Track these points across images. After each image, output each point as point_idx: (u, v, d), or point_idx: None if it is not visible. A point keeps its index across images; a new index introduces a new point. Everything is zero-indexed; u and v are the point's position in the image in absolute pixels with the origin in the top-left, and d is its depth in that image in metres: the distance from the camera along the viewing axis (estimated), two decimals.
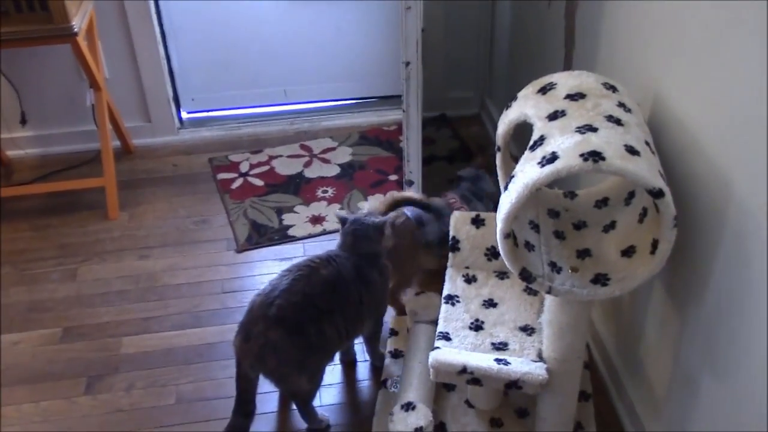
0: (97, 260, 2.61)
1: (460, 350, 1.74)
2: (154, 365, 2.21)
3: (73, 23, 2.48)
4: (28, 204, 2.90)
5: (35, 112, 3.07)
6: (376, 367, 2.16)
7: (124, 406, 2.10)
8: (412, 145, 2.26)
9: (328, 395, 2.09)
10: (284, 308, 1.79)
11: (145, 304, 2.42)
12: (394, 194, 2.24)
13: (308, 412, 1.96)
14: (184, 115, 3.30)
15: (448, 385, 2.01)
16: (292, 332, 1.80)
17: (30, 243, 2.71)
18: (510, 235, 1.49)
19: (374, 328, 2.09)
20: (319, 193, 2.85)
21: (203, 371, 2.18)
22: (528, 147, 1.52)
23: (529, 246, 1.59)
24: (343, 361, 2.18)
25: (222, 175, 2.99)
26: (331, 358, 1.98)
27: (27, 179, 3.01)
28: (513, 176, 1.49)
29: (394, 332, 2.24)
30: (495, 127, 2.95)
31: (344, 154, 3.07)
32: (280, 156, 3.08)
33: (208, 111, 3.33)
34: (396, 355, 2.15)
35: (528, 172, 1.43)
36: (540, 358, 1.71)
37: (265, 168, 3.01)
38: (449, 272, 2.00)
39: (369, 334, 2.09)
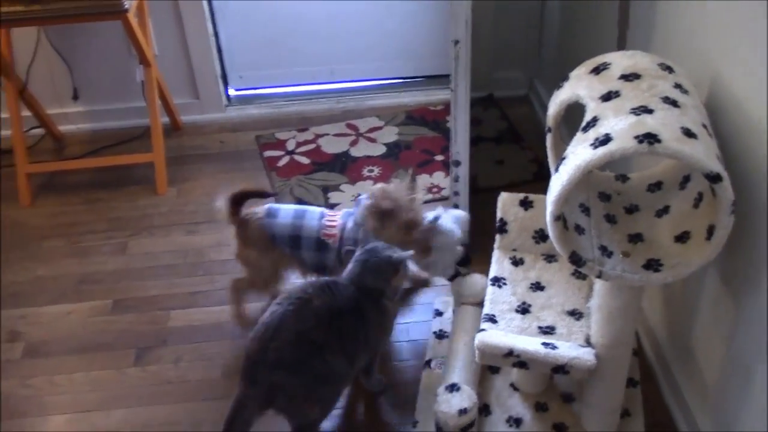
0: (145, 234, 2.64)
1: (506, 333, 1.73)
2: (201, 339, 2.24)
3: (124, 0, 2.50)
4: (80, 178, 2.95)
5: (87, 88, 3.11)
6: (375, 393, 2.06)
7: (172, 379, 2.13)
8: (460, 125, 2.23)
9: None
10: (280, 350, 1.70)
11: (193, 278, 2.45)
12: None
13: None
14: (232, 92, 3.31)
15: (492, 367, 2.00)
16: (296, 371, 1.71)
17: (81, 216, 2.76)
18: (560, 218, 1.47)
19: (368, 361, 1.95)
20: (365, 172, 2.85)
21: None
22: (580, 128, 1.49)
23: (579, 229, 1.57)
24: None
25: (268, 153, 3.00)
26: (345, 385, 1.89)
27: (78, 154, 3.06)
28: (564, 158, 1.47)
29: (438, 313, 2.23)
30: (544, 109, 2.91)
31: (390, 134, 3.06)
32: (327, 134, 3.08)
33: (255, 89, 3.33)
34: (440, 336, 2.15)
35: (580, 153, 1.41)
36: (588, 343, 1.69)
37: (312, 146, 3.01)
38: (496, 254, 1.98)
39: (363, 366, 1.94)
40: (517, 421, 1.88)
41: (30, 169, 2.84)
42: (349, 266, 1.85)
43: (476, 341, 1.68)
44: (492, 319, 1.78)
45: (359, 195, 2.14)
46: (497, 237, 2.00)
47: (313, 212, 2.13)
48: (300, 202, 2.71)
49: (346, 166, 2.89)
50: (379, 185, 2.08)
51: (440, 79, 3.24)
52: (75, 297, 2.41)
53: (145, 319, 2.32)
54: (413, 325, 2.24)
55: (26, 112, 2.94)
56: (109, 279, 2.47)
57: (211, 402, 2.06)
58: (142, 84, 2.98)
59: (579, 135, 1.47)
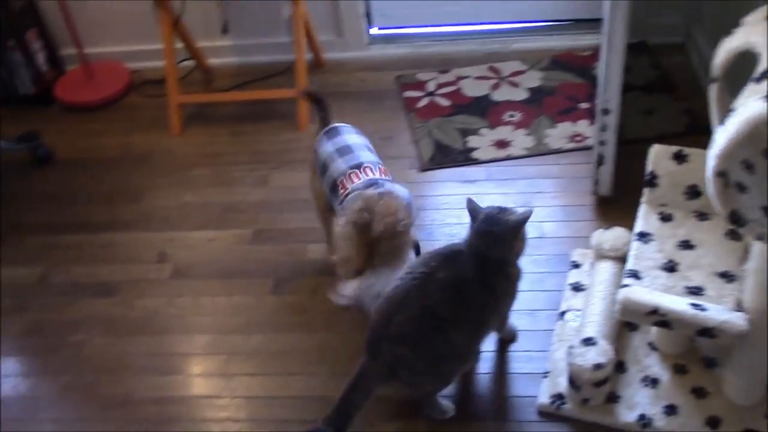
0: (286, 168, 2.71)
1: (650, 290, 1.67)
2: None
3: None
4: (227, 110, 3.04)
5: (236, 22, 3.18)
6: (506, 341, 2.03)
7: (308, 309, 2.20)
8: (614, 71, 2.13)
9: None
10: (404, 324, 1.68)
11: None
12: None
13: (433, 402, 1.86)
14: (374, 31, 3.30)
15: (630, 324, 1.94)
16: (418, 346, 1.69)
17: (227, 147, 2.86)
18: (722, 174, 1.38)
19: (500, 324, 1.94)
20: (506, 117, 2.79)
21: None
22: (752, 78, 1.39)
23: (741, 187, 1.47)
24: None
25: (408, 94, 2.99)
26: (467, 363, 1.85)
27: (226, 86, 3.15)
28: (731, 110, 1.37)
29: (575, 265, 2.18)
30: (701, 58, 2.75)
31: (534, 79, 2.97)
32: (468, 77, 3.03)
33: (397, 28, 3.31)
34: (576, 288, 2.10)
35: (751, 106, 1.31)
36: (739, 307, 1.61)
37: (452, 88, 2.97)
38: (643, 208, 1.90)
39: (495, 327, 1.93)
40: (653, 381, 1.83)
41: (181, 100, 2.95)
42: (469, 237, 1.75)
43: (620, 296, 1.63)
44: (636, 275, 1.72)
45: (353, 191, 1.96)
46: (645, 191, 1.92)
47: (351, 156, 2.02)
48: (438, 145, 2.70)
49: (486, 110, 2.84)
50: (366, 195, 1.90)
51: (589, 24, 3.10)
52: (219, 224, 2.52)
53: (283, 250, 2.39)
54: (547, 275, 2.20)
55: (178, 45, 3.05)
56: (251, 209, 2.56)
57: (344, 334, 2.11)
58: (288, 20, 3.02)
59: (751, 86, 1.37)
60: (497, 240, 1.72)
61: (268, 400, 1.98)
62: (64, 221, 2.62)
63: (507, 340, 2.02)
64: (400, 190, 1.95)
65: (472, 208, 1.77)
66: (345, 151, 2.05)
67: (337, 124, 2.15)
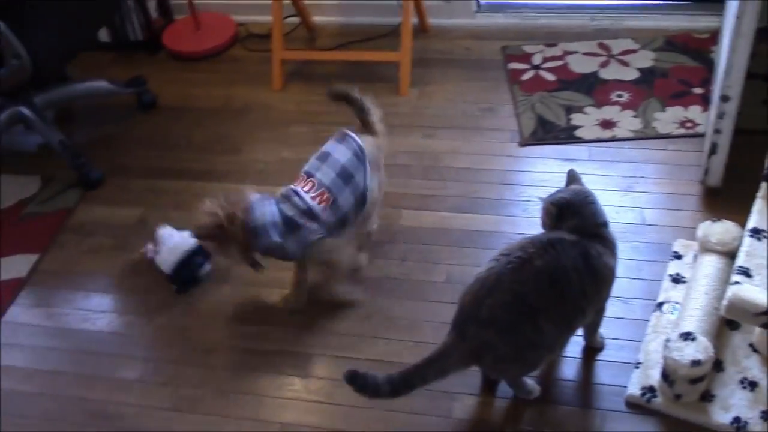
0: (385, 132, 2.69)
1: (762, 290, 1.59)
2: (428, 242, 2.27)
3: None
4: (327, 69, 3.04)
5: None
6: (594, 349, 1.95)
7: (397, 275, 2.19)
8: (739, 57, 2.02)
9: None
10: (494, 308, 1.64)
11: (426, 181, 2.48)
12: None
13: (518, 383, 1.84)
14: None
15: (731, 322, 1.86)
16: (506, 332, 1.65)
17: (325, 106, 2.82)
18: None
19: (596, 318, 1.85)
20: (613, 97, 2.70)
21: (474, 257, 2.20)
22: None
23: None
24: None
25: (513, 65, 2.92)
26: (553, 353, 1.80)
27: (328, 45, 3.15)
28: None
29: (677, 256, 2.10)
30: None
31: (645, 59, 2.85)
32: (576, 52, 2.93)
33: None
34: (676, 279, 2.03)
35: None
36: None
37: (559, 63, 2.89)
38: (758, 204, 1.81)
39: (589, 323, 1.84)
40: (751, 384, 1.75)
41: (284, 56, 2.96)
42: (568, 221, 1.71)
43: (729, 293, 1.56)
44: (746, 273, 1.64)
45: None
46: (763, 185, 1.82)
47: (315, 165, 2.09)
48: (540, 120, 2.63)
49: (593, 87, 2.75)
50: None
51: (708, 5, 2.96)
52: None
53: (378, 213, 2.38)
54: (645, 263, 2.13)
55: (285, 0, 3.05)
56: None
57: (429, 303, 2.10)
58: None
59: None
60: (593, 213, 1.72)
61: (347, 361, 1.99)
62: (164, 166, 2.68)
63: (595, 349, 1.94)
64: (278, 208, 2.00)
65: (573, 177, 1.77)
66: (322, 157, 2.10)
67: (348, 133, 2.16)
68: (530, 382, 1.84)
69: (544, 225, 1.77)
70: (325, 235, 2.01)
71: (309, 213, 1.99)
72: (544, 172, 2.45)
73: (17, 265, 2.35)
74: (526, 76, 2.85)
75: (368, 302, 2.13)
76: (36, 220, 2.51)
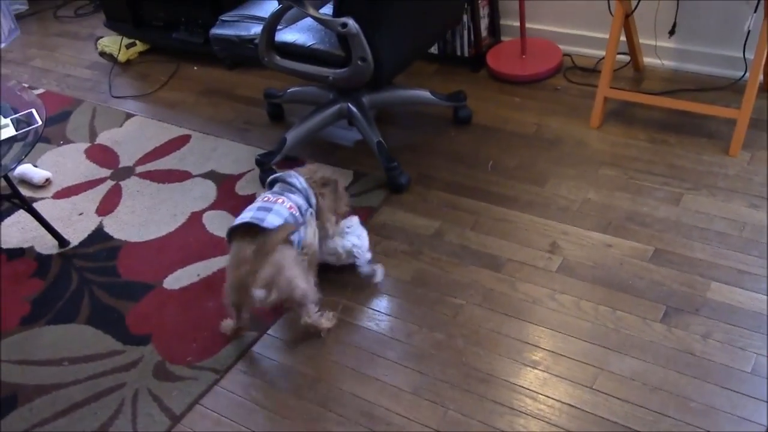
0: (705, 192, 2.49)
1: None
2: (738, 323, 2.05)
3: None
4: (650, 114, 2.88)
5: (687, 25, 2.97)
6: None
7: (695, 351, 2.00)
8: None
9: None
10: None
11: (745, 256, 2.24)
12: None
13: None
14: None
15: None
16: None
17: (642, 153, 2.70)
18: None
19: None
20: None
21: None
22: None
23: None
24: None
25: None
26: None
27: (656, 90, 2.98)
28: None
29: None
30: None
31: None
32: None
33: None
34: None
35: None
36: None
37: None
38: None
39: None
40: None
41: (609, 94, 2.85)
42: None
43: None
44: None
45: None
46: None
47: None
48: None
49: None
50: None
51: None
52: (618, 232, 2.39)
53: (683, 279, 2.20)
54: None
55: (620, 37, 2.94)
56: (656, 225, 2.39)
57: (729, 392, 1.89)
58: (748, 33, 2.74)
59: None
60: None
61: (627, 431, 1.85)
62: (467, 184, 2.69)
63: None
64: None
65: None
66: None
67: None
68: None
69: None
70: None
71: None
72: None
73: None
74: None
75: (659, 374, 1.96)
76: None
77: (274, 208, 2.11)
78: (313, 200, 2.24)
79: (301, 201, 2.20)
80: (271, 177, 2.28)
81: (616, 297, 2.18)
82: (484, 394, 1.99)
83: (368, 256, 2.33)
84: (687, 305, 2.12)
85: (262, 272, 2.00)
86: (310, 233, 2.21)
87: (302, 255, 2.16)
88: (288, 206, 2.14)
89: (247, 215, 2.10)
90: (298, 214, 2.15)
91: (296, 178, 2.24)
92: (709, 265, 2.23)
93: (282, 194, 2.18)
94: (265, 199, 2.17)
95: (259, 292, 2.03)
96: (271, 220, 2.06)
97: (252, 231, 2.06)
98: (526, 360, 2.06)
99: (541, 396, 1.97)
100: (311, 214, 2.22)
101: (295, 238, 2.11)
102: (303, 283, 2.10)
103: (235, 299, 2.13)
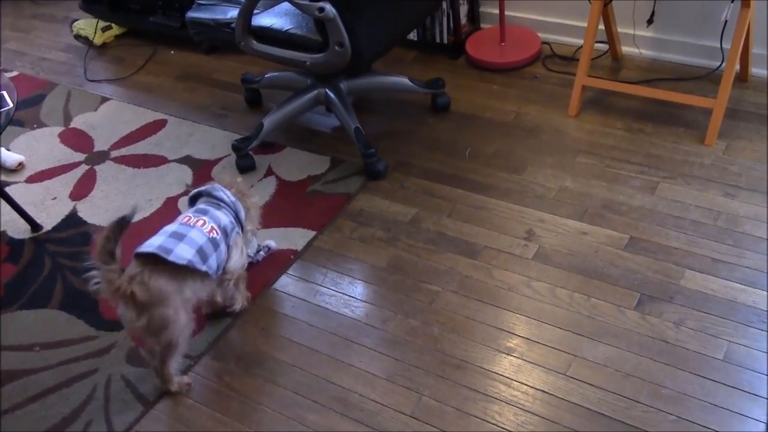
0: (680, 181, 2.50)
1: None
2: (711, 311, 2.07)
3: None
4: (628, 103, 2.89)
5: (665, 15, 2.98)
6: None
7: (669, 338, 2.01)
8: None
9: None
10: None
11: (718, 244, 2.25)
12: None
13: None
14: None
15: None
16: None
17: (619, 142, 2.71)
18: None
19: None
20: None
21: (761, 340, 1.97)
22: None
23: None
24: None
25: None
26: None
27: (633, 79, 2.98)
28: None
29: None
30: None
31: None
32: None
33: None
34: None
35: None
36: None
37: None
38: None
39: None
40: None
41: (587, 82, 2.85)
42: None
43: None
44: None
45: None
46: None
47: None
48: None
49: None
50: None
51: None
52: (594, 220, 2.40)
53: (657, 267, 2.21)
54: None
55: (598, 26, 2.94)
56: (631, 213, 2.40)
57: (701, 378, 1.90)
58: (725, 23, 2.75)
59: None
60: None
61: (600, 417, 1.86)
62: (445, 172, 2.69)
63: None
64: None
65: None
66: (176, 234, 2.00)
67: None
68: None
69: None
70: None
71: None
72: None
73: (295, 238, 2.48)
74: None
75: (633, 361, 1.97)
76: (319, 198, 2.63)
77: (189, 235, 1.96)
78: (242, 213, 2.14)
79: (227, 219, 2.07)
80: (195, 191, 2.14)
81: (591, 284, 2.19)
82: (459, 380, 1.99)
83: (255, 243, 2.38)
84: (661, 293, 2.14)
85: (137, 293, 1.84)
86: (235, 256, 2.09)
87: (226, 279, 2.10)
88: (208, 229, 2.00)
89: (156, 241, 1.93)
90: (219, 236, 2.03)
91: (222, 191, 2.11)
92: (683, 253, 2.24)
93: (206, 213, 2.04)
94: (185, 220, 2.02)
95: (126, 312, 1.88)
96: (180, 252, 1.91)
97: (157, 259, 1.90)
98: (501, 347, 2.06)
99: (515, 382, 1.97)
100: (237, 233, 2.11)
101: (212, 264, 2.00)
102: (179, 330, 1.94)
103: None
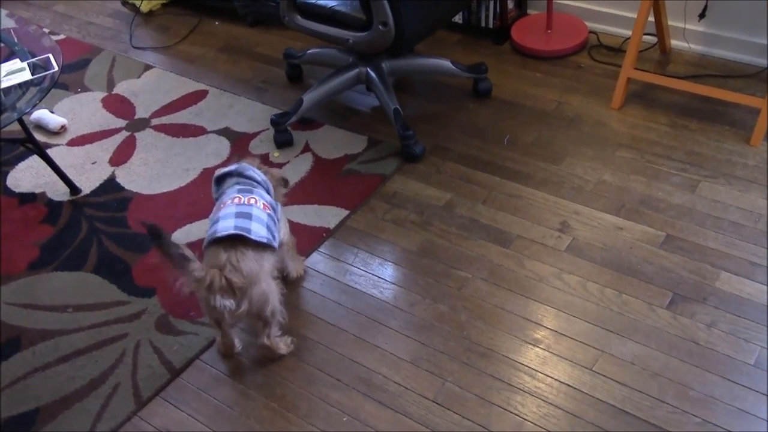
0: (722, 181, 2.45)
1: None
2: (745, 315, 2.03)
3: None
4: (673, 98, 2.83)
5: (718, 10, 2.91)
6: None
7: (699, 340, 1.99)
8: None
9: None
10: None
11: (757, 248, 2.21)
12: None
13: None
14: None
15: None
16: None
17: (662, 137, 2.66)
18: None
19: None
20: None
21: None
22: None
23: None
24: None
25: None
26: None
27: (680, 73, 2.92)
28: None
29: None
30: None
31: None
32: None
33: None
34: None
35: None
36: None
37: None
38: None
39: None
40: None
41: (632, 75, 2.79)
42: None
43: None
44: None
45: None
46: None
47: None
48: None
49: None
50: None
51: None
52: (631, 215, 2.37)
53: (692, 267, 2.18)
54: None
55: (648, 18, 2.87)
56: (669, 211, 2.36)
57: (729, 383, 1.87)
58: None
59: None
60: None
61: (624, 415, 1.84)
62: (482, 158, 2.67)
63: None
64: None
65: None
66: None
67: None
68: None
69: None
70: None
71: None
72: None
73: (328, 216, 2.49)
74: None
75: (661, 360, 1.95)
76: (354, 177, 2.63)
77: (254, 213, 1.95)
78: (272, 193, 2.12)
79: (267, 196, 2.06)
80: (222, 171, 2.09)
81: (623, 280, 2.17)
82: (484, 368, 1.99)
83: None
84: (695, 293, 2.10)
85: (234, 280, 1.85)
86: (284, 228, 2.13)
87: (279, 253, 2.10)
88: (262, 206, 2.00)
89: (227, 224, 1.91)
90: (272, 212, 2.03)
91: (252, 170, 2.08)
92: (720, 254, 2.20)
93: (252, 192, 2.02)
94: (235, 200, 1.98)
95: (226, 302, 1.86)
96: (257, 230, 1.92)
97: (235, 241, 1.91)
98: (527, 337, 2.05)
99: (540, 374, 1.96)
100: (280, 207, 2.12)
101: (276, 238, 2.01)
102: (276, 299, 1.98)
103: (208, 312, 1.98)
